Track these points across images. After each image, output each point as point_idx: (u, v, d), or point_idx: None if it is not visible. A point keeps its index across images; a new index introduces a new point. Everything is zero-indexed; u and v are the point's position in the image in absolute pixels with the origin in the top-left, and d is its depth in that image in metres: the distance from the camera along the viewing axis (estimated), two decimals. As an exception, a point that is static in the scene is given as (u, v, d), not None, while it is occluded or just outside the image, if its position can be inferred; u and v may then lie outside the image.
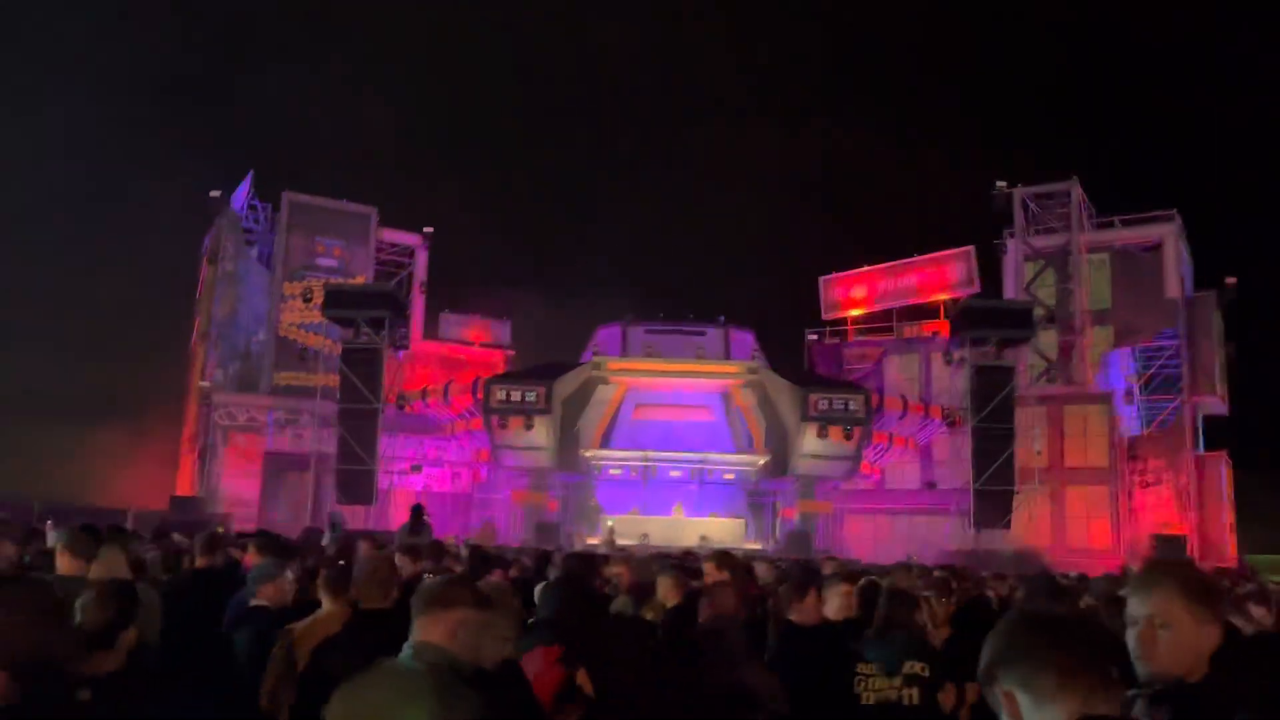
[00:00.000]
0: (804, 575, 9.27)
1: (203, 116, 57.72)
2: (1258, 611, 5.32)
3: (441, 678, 1.90)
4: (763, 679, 4.29)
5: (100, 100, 49.26)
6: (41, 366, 41.28)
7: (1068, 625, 1.81)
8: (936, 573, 7.70)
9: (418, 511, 13.68)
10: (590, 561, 6.10)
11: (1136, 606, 2.34)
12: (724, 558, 6.55)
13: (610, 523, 29.72)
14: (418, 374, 40.81)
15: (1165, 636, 2.28)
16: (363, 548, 7.77)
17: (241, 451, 35.88)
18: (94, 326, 43.16)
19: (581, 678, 3.82)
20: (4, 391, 39.65)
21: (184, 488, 36.76)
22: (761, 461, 32.43)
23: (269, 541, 6.68)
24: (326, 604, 4.34)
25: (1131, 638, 2.31)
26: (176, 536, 11.01)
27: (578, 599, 4.34)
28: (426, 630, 2.81)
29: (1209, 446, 37.08)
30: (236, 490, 34.98)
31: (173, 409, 40.78)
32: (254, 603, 4.68)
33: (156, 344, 42.38)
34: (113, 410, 40.62)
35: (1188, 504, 34.17)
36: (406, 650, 2.79)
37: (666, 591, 5.34)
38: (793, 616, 5.23)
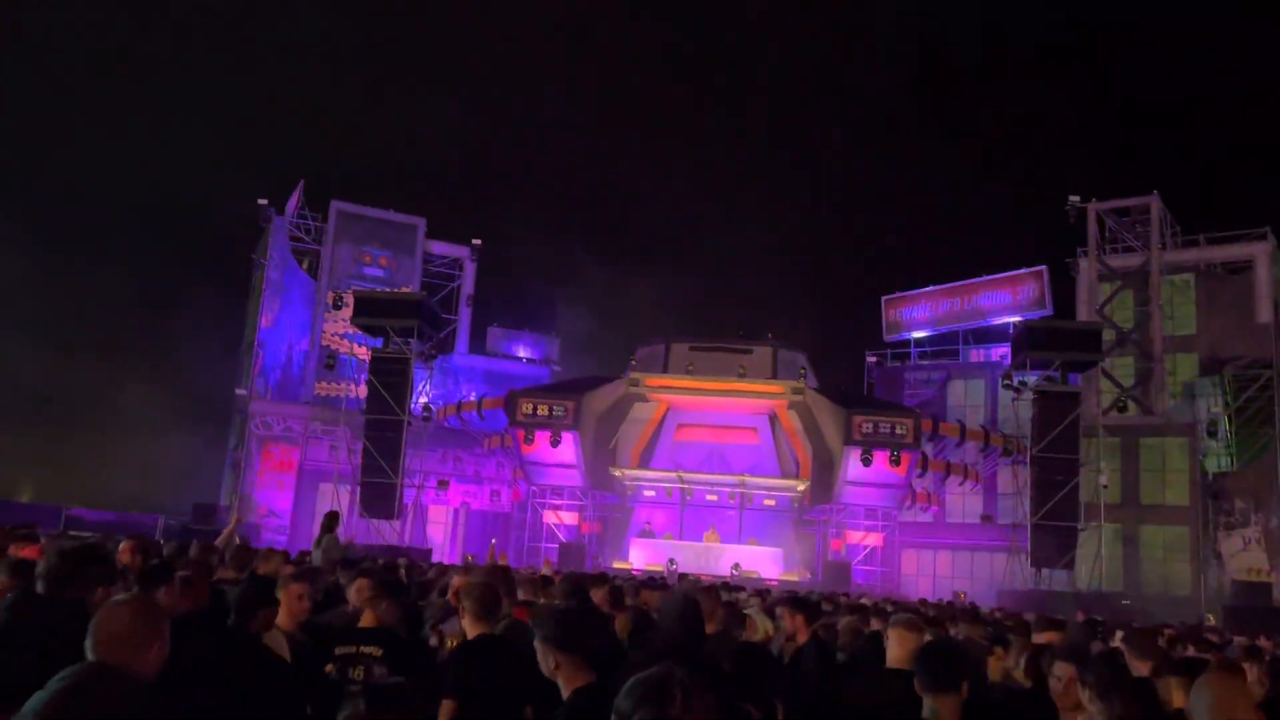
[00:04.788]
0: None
1: (256, 124, 58.15)
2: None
3: None
4: None
5: (161, 103, 50.00)
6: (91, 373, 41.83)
7: None
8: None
9: (331, 519, 12.00)
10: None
11: None
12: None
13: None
14: (462, 388, 39.96)
15: None
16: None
17: (277, 462, 35.37)
18: (143, 330, 43.70)
19: None
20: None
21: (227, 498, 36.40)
22: (801, 487, 30.50)
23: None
24: None
25: None
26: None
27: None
28: None
29: (1306, 487, 33.76)
30: (269, 501, 34.50)
31: (219, 417, 40.68)
32: None
33: (205, 352, 42.40)
34: (161, 420, 40.69)
35: (1278, 549, 31.02)
36: None
37: None
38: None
